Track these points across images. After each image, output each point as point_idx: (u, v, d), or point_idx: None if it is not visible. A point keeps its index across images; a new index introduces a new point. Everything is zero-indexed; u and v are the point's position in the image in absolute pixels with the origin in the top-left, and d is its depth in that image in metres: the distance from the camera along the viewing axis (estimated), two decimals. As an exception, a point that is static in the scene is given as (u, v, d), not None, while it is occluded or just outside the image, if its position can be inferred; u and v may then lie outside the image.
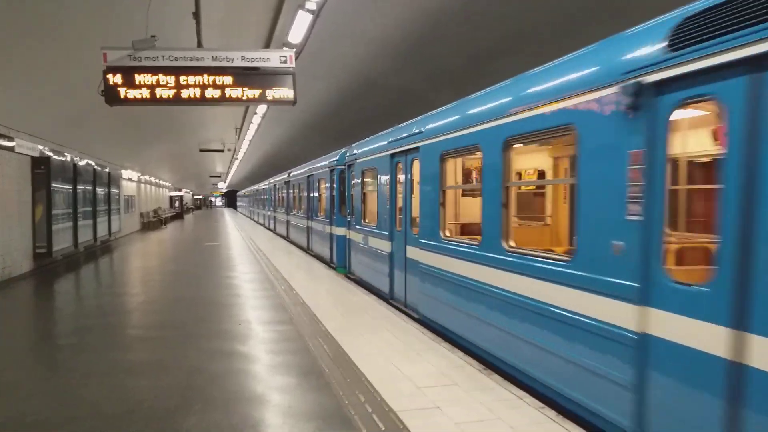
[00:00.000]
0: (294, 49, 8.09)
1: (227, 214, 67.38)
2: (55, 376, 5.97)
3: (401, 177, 9.38)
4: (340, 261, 14.27)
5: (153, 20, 7.97)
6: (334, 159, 14.57)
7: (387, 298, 10.04)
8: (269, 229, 33.03)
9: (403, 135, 9.05)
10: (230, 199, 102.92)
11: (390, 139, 9.75)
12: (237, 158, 33.13)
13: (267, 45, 11.09)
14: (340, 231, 14.27)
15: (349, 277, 13.09)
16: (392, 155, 9.60)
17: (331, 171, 14.84)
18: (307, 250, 19.10)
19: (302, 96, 8.95)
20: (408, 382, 5.51)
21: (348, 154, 13.08)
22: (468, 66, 11.90)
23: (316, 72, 13.56)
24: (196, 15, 7.97)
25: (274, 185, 30.19)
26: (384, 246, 10.19)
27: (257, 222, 42.99)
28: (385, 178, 10.07)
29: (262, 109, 19.00)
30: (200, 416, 4.77)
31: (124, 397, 5.27)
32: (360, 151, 12.00)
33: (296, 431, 4.45)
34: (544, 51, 10.06)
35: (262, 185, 40.02)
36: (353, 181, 12.57)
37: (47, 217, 14.63)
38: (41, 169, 14.39)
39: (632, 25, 8.90)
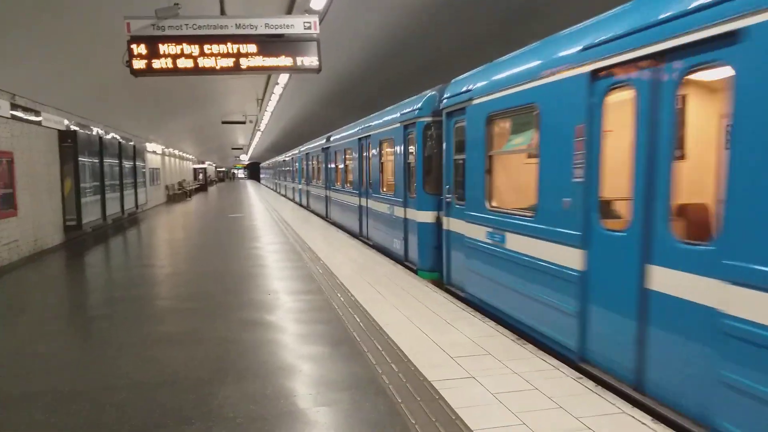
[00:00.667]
0: (317, 15, 7.90)
1: (250, 186, 67.75)
2: (89, 348, 6.04)
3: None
4: (425, 262, 9.71)
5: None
6: (412, 109, 9.95)
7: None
8: (300, 205, 28.73)
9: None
10: (252, 171, 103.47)
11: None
12: (259, 130, 33.11)
13: (289, 11, 10.88)
14: (425, 216, 9.67)
15: (446, 289, 8.66)
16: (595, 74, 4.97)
17: (406, 128, 10.37)
18: (360, 235, 14.74)
19: (325, 65, 8.75)
20: (440, 352, 5.46)
21: (450, 94, 8.19)
22: (497, 30, 11.56)
23: (338, 40, 13.31)
24: (219, -19, 7.81)
25: (307, 153, 25.92)
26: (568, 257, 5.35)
27: (284, 195, 40.49)
28: (568, 123, 5.28)
29: (283, 79, 18.81)
30: (235, 386, 4.77)
31: (159, 368, 5.31)
32: (488, 81, 7.00)
33: (330, 401, 4.43)
34: (579, 11, 9.72)
35: (289, 155, 36.01)
36: (463, 137, 7.77)
37: (76, 190, 14.80)
38: (68, 142, 14.50)
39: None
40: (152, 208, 27.67)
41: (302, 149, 28.13)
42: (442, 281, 8.96)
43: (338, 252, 12.08)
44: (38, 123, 12.94)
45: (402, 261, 10.87)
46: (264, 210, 25.49)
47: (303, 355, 5.53)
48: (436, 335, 6.00)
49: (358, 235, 14.97)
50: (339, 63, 15.90)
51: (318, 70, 7.90)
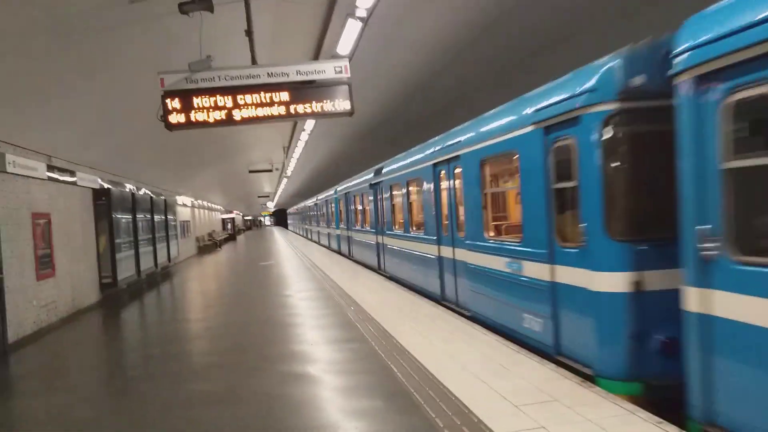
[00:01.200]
0: (348, 59, 7.86)
1: (277, 232, 68.18)
2: (131, 411, 5.83)
3: None
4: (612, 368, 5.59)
5: (205, 42, 7.87)
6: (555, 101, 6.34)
7: None
8: (338, 252, 25.94)
9: None
10: (278, 218, 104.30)
11: None
12: (286, 176, 33.36)
13: (316, 57, 10.94)
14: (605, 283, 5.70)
15: None
16: None
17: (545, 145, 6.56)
18: (442, 301, 10.40)
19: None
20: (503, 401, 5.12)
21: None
22: (520, 61, 11.46)
23: (364, 81, 13.35)
24: (249, 32, 7.83)
25: (346, 193, 22.30)
26: None
27: (315, 241, 39.09)
28: None
29: (309, 125, 18.93)
30: (288, 448, 4.50)
31: (206, 429, 5.06)
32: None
33: (393, 461, 4.12)
34: (601, 38, 9.56)
35: (322, 196, 32.52)
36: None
37: (111, 247, 14.86)
38: (102, 200, 14.65)
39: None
40: (184, 260, 27.81)
41: (339, 188, 24.54)
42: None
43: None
44: (73, 183, 13.10)
45: (544, 347, 7.00)
46: (294, 256, 25.41)
47: (353, 411, 5.23)
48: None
49: (440, 300, 10.60)
50: (365, 104, 15.94)
51: (350, 113, 7.80)
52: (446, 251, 10.09)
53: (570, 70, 6.26)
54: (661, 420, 4.42)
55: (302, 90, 7.68)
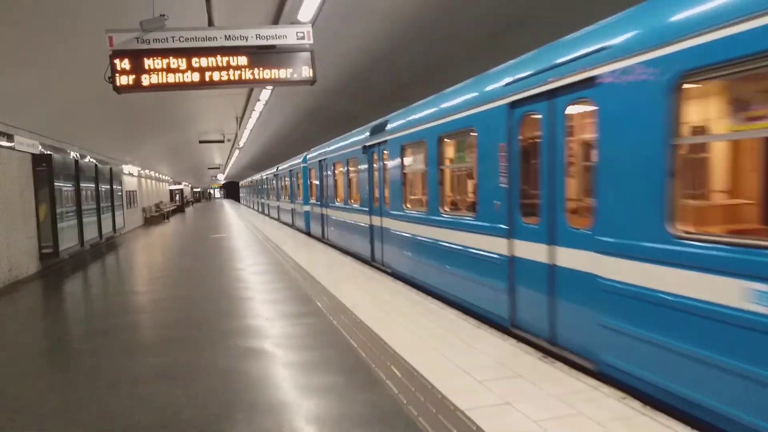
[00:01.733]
0: (310, 24, 7.55)
1: (227, 205, 66.89)
2: (76, 387, 5.52)
3: None
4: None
5: (158, 1, 7.40)
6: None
7: None
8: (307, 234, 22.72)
9: None
10: (229, 190, 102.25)
11: None
12: (238, 148, 32.52)
13: (275, 22, 10.51)
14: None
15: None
16: None
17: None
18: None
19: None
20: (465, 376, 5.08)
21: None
22: (486, 39, 11.33)
23: (324, 50, 12.97)
24: (206, -9, 7.41)
25: (322, 160, 17.86)
26: None
27: (270, 216, 39.43)
28: None
29: (265, 95, 18.39)
30: (246, 426, 4.33)
31: (159, 408, 4.83)
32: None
33: (356, 439, 4.01)
34: (564, 18, 9.53)
35: (284, 166, 28.67)
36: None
37: (52, 216, 14.14)
38: (43, 167, 13.87)
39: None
40: (130, 231, 26.89)
41: (311, 155, 22.60)
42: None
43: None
44: (11, 148, 12.32)
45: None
46: (246, 229, 24.91)
47: (316, 387, 5.09)
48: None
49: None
50: (323, 76, 15.55)
51: (312, 81, 7.52)
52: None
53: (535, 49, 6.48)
54: (625, 395, 4.45)
55: (261, 55, 7.34)
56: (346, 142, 14.79)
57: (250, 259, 14.26)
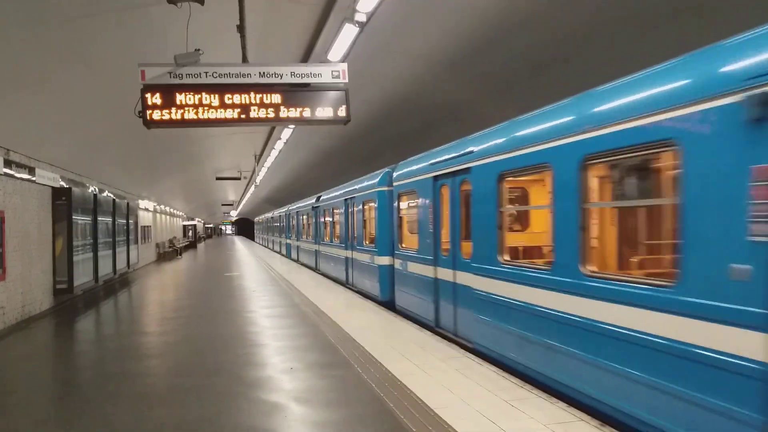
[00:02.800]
0: (345, 63, 7.37)
1: (238, 241, 66.78)
2: (93, 440, 5.12)
3: None
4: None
5: (192, 36, 7.28)
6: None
7: None
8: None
9: None
10: (241, 227, 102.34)
11: None
12: (255, 184, 32.42)
13: (304, 61, 10.41)
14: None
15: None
16: None
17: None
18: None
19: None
20: (514, 444, 4.64)
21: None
22: (519, 77, 11.14)
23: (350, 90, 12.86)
24: (241, 28, 7.27)
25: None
26: None
27: (274, 250, 38.53)
28: None
29: (286, 134, 18.33)
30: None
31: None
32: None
33: None
34: (606, 56, 9.32)
35: (306, 202, 25.52)
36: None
37: (68, 250, 13.90)
38: (62, 200, 13.70)
39: (709, 23, 8.01)
40: (143, 267, 26.63)
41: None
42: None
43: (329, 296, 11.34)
44: (32, 180, 12.18)
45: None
46: (258, 268, 24.57)
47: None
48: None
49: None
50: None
51: (346, 121, 7.31)
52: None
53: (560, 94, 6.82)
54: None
55: (295, 93, 7.16)
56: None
57: (263, 297, 13.87)
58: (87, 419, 5.74)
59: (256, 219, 52.50)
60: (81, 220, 14.98)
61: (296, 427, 5.27)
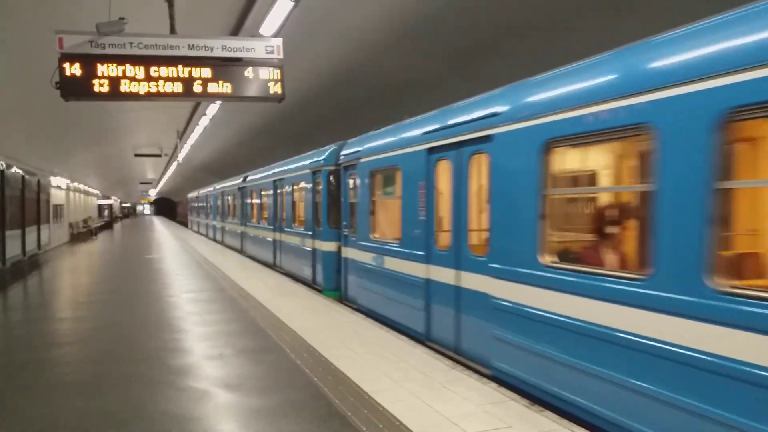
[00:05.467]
0: (281, 39, 7.13)
1: (157, 222, 64.37)
2: (6, 435, 4.77)
3: None
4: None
5: (116, 4, 6.80)
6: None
7: None
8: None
9: None
10: (161, 206, 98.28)
11: None
12: (177, 161, 31.15)
13: (234, 35, 10.01)
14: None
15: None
16: None
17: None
18: (274, 266, 16.63)
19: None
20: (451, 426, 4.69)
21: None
22: (450, 66, 11.20)
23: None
24: (169, -3, 6.88)
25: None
26: None
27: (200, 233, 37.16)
28: None
29: (212, 110, 17.70)
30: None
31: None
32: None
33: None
34: (539, 48, 9.51)
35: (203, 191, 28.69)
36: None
37: (-29, 230, 12.88)
38: (-37, 176, 12.65)
39: (637, 18, 8.31)
40: (55, 248, 25.13)
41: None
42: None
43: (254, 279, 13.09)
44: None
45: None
46: (181, 250, 23.76)
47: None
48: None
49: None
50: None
51: (280, 99, 7.11)
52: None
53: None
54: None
55: (226, 68, 6.89)
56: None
57: (184, 278, 13.42)
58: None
59: (190, 195, 45.02)
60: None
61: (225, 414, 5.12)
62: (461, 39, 9.97)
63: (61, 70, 6.11)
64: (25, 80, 8.94)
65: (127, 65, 6.35)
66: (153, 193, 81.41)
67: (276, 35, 9.56)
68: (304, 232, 13.13)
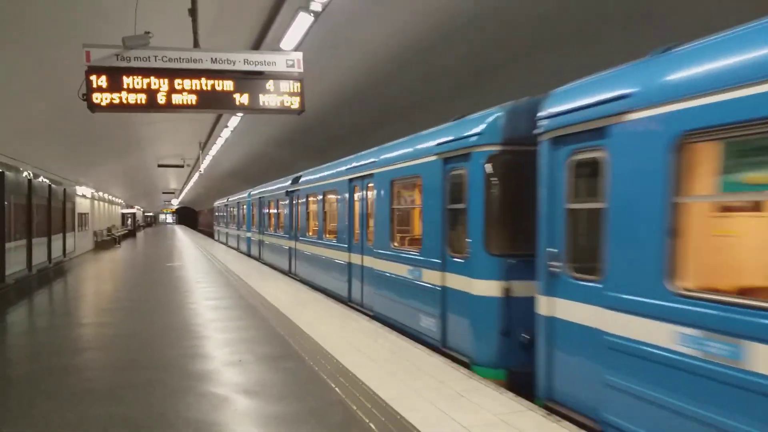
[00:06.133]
0: (301, 52, 7.26)
1: (179, 230, 65.12)
2: (32, 438, 4.89)
3: None
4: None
5: (141, 19, 7.00)
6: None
7: None
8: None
9: None
10: (183, 216, 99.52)
11: None
12: (199, 172, 31.52)
13: (256, 49, 10.20)
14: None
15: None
16: None
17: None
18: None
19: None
20: (466, 435, 4.71)
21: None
22: (470, 77, 11.25)
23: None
24: (193, 11, 7.05)
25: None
26: None
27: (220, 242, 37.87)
28: None
29: (233, 122, 17.96)
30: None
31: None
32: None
33: None
34: (555, 60, 9.53)
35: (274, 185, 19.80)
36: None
37: (0, 238, 13.21)
38: (-7, 185, 13.02)
39: (656, 29, 8.29)
40: (80, 255, 25.59)
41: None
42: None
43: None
44: (-41, 163, 11.49)
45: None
46: (202, 257, 24.03)
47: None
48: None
49: None
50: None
51: (300, 111, 7.22)
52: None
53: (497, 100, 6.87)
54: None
55: (248, 81, 7.02)
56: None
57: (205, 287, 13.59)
58: (24, 419, 5.47)
59: (217, 203, 39.54)
60: (14, 206, 14.25)
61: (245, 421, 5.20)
62: (481, 54, 10.04)
63: (88, 82, 6.31)
64: (53, 93, 9.20)
65: (152, 78, 6.52)
66: (175, 203, 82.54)
67: (296, 49, 9.73)
68: (424, 264, 7.94)
